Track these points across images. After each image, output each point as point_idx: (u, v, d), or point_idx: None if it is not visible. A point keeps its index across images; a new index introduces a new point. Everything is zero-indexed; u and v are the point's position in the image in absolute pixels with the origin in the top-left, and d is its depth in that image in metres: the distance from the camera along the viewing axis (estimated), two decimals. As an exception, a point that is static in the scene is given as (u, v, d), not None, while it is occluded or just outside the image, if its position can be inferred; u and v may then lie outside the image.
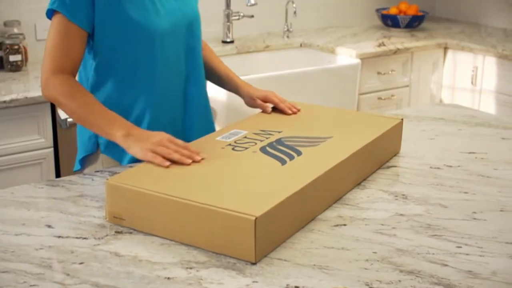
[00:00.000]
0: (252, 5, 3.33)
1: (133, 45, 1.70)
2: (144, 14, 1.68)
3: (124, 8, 1.67)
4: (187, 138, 1.75)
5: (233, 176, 1.47)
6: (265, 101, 1.93)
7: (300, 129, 1.76)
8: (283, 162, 1.54)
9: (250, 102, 1.95)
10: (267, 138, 1.69)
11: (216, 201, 1.31)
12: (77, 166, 1.85)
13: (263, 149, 1.61)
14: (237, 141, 1.66)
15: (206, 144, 1.65)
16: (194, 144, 1.65)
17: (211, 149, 1.61)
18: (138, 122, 1.74)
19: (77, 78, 1.76)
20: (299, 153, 1.58)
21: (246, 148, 1.62)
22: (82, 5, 1.64)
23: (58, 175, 2.68)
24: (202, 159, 1.52)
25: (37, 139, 2.60)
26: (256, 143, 1.65)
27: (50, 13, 1.67)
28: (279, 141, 1.66)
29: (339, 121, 1.84)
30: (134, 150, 1.54)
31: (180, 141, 1.55)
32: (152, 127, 1.74)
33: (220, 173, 1.48)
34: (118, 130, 1.58)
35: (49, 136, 2.62)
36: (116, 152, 1.74)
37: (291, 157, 1.56)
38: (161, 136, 1.56)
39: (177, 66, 1.80)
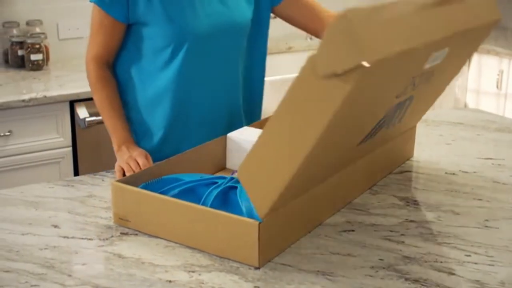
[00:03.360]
0: (274, 6, 3.31)
1: (166, 45, 1.68)
2: (180, 15, 1.66)
3: (163, 5, 1.65)
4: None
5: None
6: None
7: None
8: None
9: None
10: None
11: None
12: None
13: None
14: None
15: None
16: None
17: None
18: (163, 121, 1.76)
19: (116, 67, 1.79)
20: None
21: None
22: None
23: (76, 174, 2.69)
24: None
25: (55, 138, 2.62)
26: None
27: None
28: None
29: None
30: (116, 163, 1.66)
31: (141, 160, 1.61)
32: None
33: None
34: (115, 141, 1.71)
35: (67, 135, 2.64)
36: None
37: None
38: (133, 154, 1.64)
39: (212, 73, 1.76)
